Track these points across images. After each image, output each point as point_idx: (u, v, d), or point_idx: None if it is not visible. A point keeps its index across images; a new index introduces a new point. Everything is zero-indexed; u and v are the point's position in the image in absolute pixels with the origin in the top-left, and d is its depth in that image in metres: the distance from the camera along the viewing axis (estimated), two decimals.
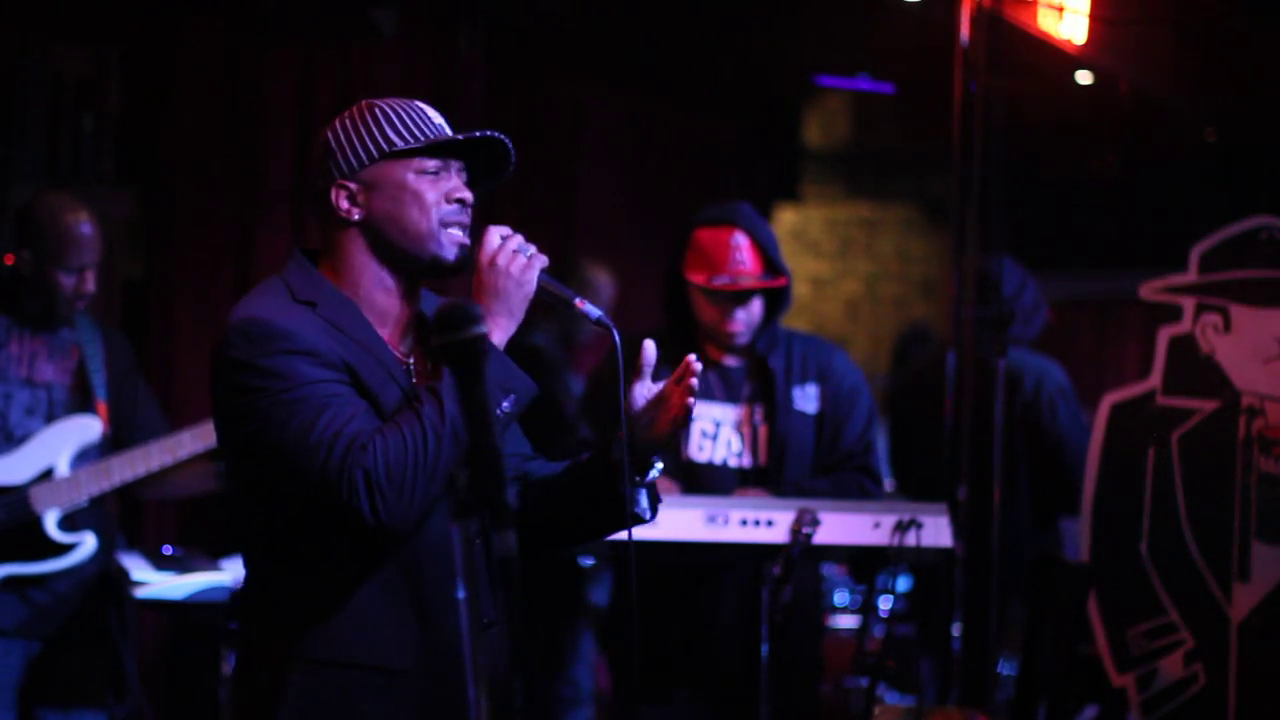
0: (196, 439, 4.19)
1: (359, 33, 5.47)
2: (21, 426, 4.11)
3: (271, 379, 2.37)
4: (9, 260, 4.13)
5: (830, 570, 5.91)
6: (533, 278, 2.49)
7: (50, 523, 4.10)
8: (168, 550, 4.56)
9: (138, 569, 4.28)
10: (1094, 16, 5.32)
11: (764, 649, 3.78)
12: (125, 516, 5.17)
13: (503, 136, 2.55)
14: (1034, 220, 6.58)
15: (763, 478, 4.10)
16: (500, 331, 2.47)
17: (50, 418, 4.14)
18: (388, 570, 2.45)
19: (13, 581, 4.08)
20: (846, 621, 5.72)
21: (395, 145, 2.51)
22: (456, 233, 2.53)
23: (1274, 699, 4.17)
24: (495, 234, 2.51)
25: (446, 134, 2.55)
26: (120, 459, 4.15)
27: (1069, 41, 5.34)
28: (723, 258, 4.03)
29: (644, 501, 2.60)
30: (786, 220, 10.29)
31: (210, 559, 4.40)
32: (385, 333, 2.54)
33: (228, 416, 2.45)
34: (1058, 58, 5.58)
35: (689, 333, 4.14)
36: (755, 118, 8.20)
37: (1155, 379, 4.36)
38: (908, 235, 10.64)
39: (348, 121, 2.55)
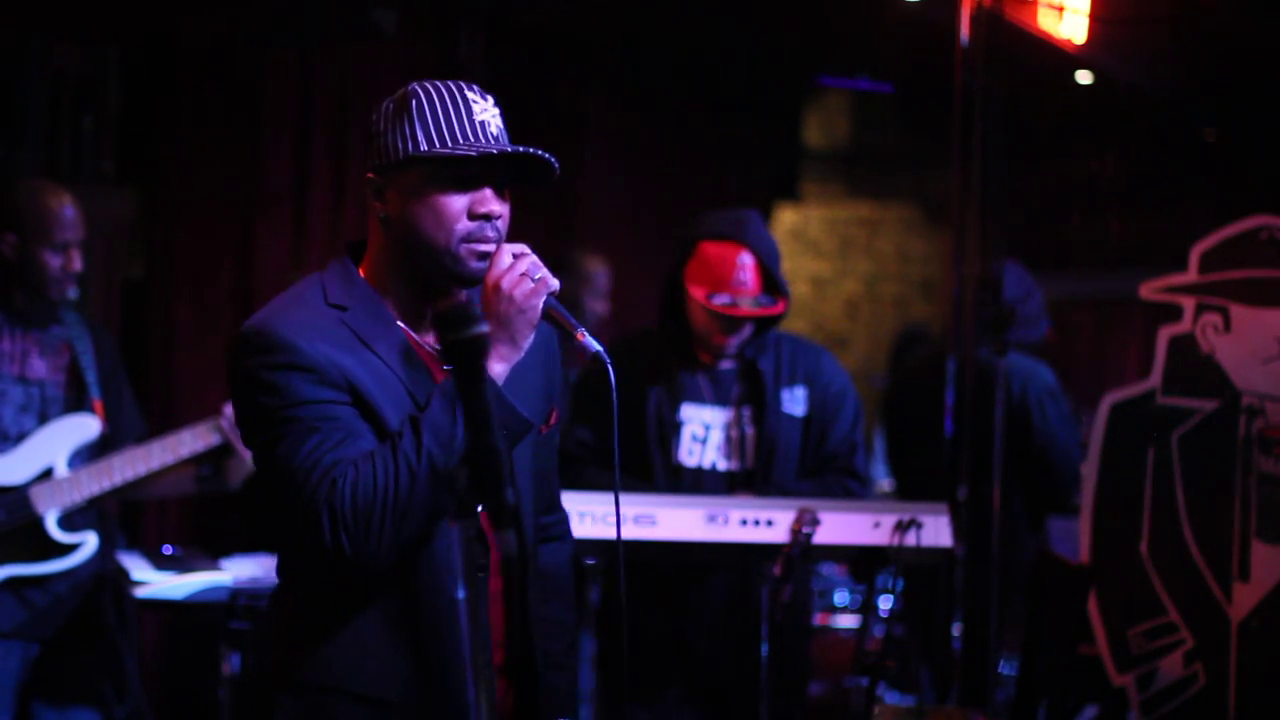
0: (196, 438, 4.19)
1: (359, 33, 5.47)
2: (16, 424, 4.10)
3: (268, 394, 2.33)
4: None
5: (830, 570, 5.91)
6: (538, 304, 2.39)
7: (51, 523, 4.10)
8: (168, 550, 4.56)
9: (138, 569, 4.28)
10: (1094, 16, 5.32)
11: (764, 649, 3.78)
12: (125, 516, 5.16)
13: (540, 152, 2.43)
14: (1034, 220, 6.59)
15: (750, 481, 4.11)
16: (501, 361, 2.38)
17: (44, 416, 4.14)
18: (386, 599, 2.39)
19: (12, 583, 4.07)
20: (846, 621, 5.72)
21: (421, 148, 2.38)
22: (478, 246, 2.40)
23: (1274, 699, 4.16)
24: (507, 254, 2.40)
25: (482, 137, 2.40)
26: (121, 458, 4.14)
27: (1069, 41, 5.35)
28: (726, 276, 4.02)
29: None
30: (786, 220, 10.29)
31: (210, 559, 4.40)
32: (417, 329, 2.46)
33: (241, 420, 2.42)
34: (1058, 58, 5.58)
35: (682, 334, 4.15)
36: (755, 118, 8.20)
37: (1155, 379, 4.36)
38: (908, 235, 10.64)
39: (390, 106, 2.43)
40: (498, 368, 2.37)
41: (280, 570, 2.53)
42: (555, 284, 2.42)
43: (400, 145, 2.39)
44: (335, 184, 6.03)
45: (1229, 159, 6.62)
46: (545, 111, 6.94)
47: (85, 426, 4.17)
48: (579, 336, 2.44)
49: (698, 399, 4.13)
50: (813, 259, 10.64)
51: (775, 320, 4.12)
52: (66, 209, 4.12)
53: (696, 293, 4.04)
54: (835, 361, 4.26)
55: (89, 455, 4.19)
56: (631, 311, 6.44)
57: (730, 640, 4.08)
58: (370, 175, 2.43)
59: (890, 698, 5.30)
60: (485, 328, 1.96)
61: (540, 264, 2.41)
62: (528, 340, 2.40)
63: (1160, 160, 6.92)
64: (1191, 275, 4.33)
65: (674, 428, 4.13)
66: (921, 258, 10.57)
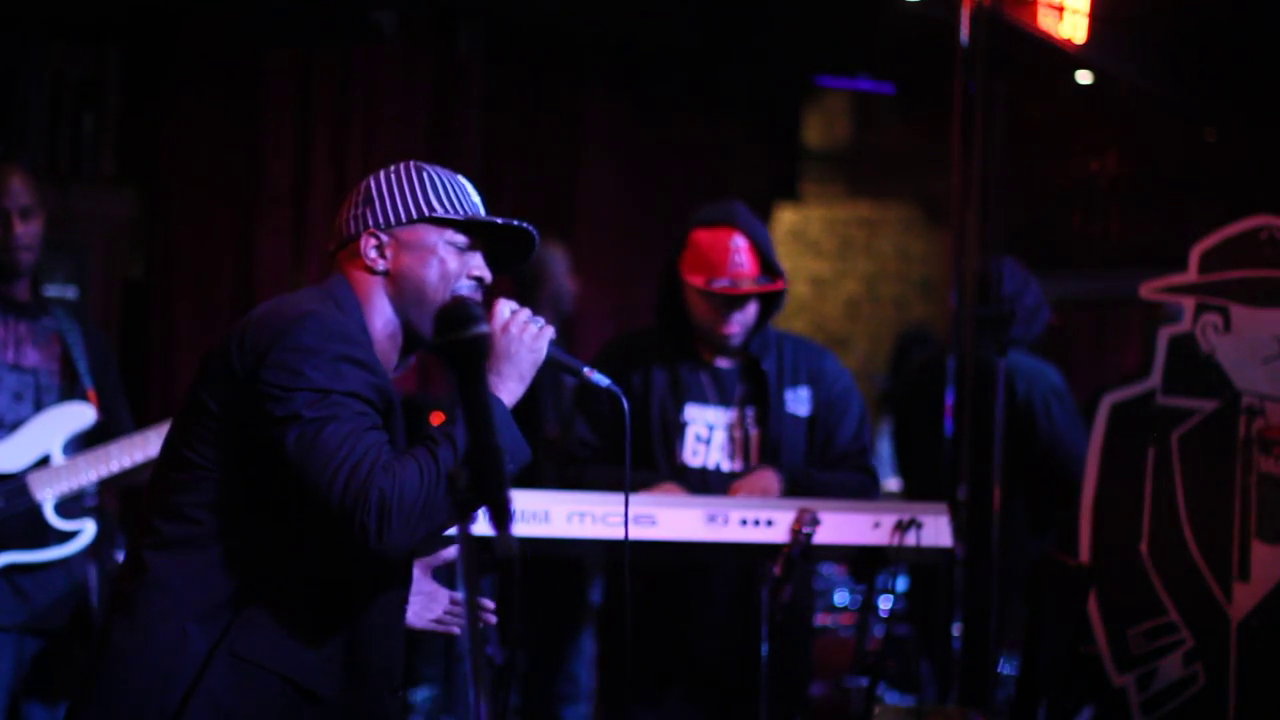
0: None
1: (359, 33, 5.48)
2: (11, 411, 4.12)
3: (326, 375, 2.42)
4: None
5: (830, 570, 5.91)
6: (544, 346, 2.60)
7: (49, 510, 4.11)
8: None
9: None
10: (1094, 16, 5.33)
11: (764, 649, 3.78)
12: (125, 515, 5.17)
13: (531, 229, 2.66)
14: (1034, 220, 6.59)
15: None
16: (509, 395, 2.56)
17: (38, 404, 4.15)
18: (337, 598, 2.50)
19: (9, 575, 4.08)
20: (846, 621, 5.72)
21: (435, 211, 2.61)
22: None
23: (1274, 699, 4.17)
24: (505, 306, 2.62)
25: (482, 213, 2.65)
26: (118, 445, 4.16)
27: (1069, 41, 5.35)
28: (722, 260, 4.03)
29: None
30: (786, 220, 10.29)
31: None
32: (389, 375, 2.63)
33: (260, 393, 2.43)
34: (1058, 58, 5.58)
35: (683, 332, 4.15)
36: (755, 118, 8.20)
37: (1155, 379, 4.36)
38: (908, 235, 10.64)
39: (393, 176, 2.65)
40: (505, 400, 2.54)
41: (207, 532, 2.49)
42: (553, 331, 2.63)
43: (414, 208, 2.61)
44: (335, 184, 6.03)
45: (1229, 159, 6.62)
46: (545, 111, 6.94)
47: (81, 414, 4.19)
48: (587, 374, 2.68)
49: (701, 399, 4.13)
50: (813, 259, 10.64)
51: (776, 301, 4.11)
52: (13, 175, 4.14)
53: (695, 280, 4.04)
54: (838, 362, 4.27)
55: (84, 443, 4.20)
56: (632, 312, 6.44)
57: (732, 639, 4.08)
58: (372, 231, 2.61)
59: (890, 698, 5.31)
60: (486, 328, 1.99)
61: (535, 316, 2.62)
62: (530, 379, 2.59)
63: (1160, 160, 6.93)
64: (1191, 275, 4.33)
65: (678, 428, 4.13)
66: (921, 258, 10.57)
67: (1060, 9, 5.26)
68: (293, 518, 2.44)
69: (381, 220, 2.61)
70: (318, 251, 5.96)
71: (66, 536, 4.14)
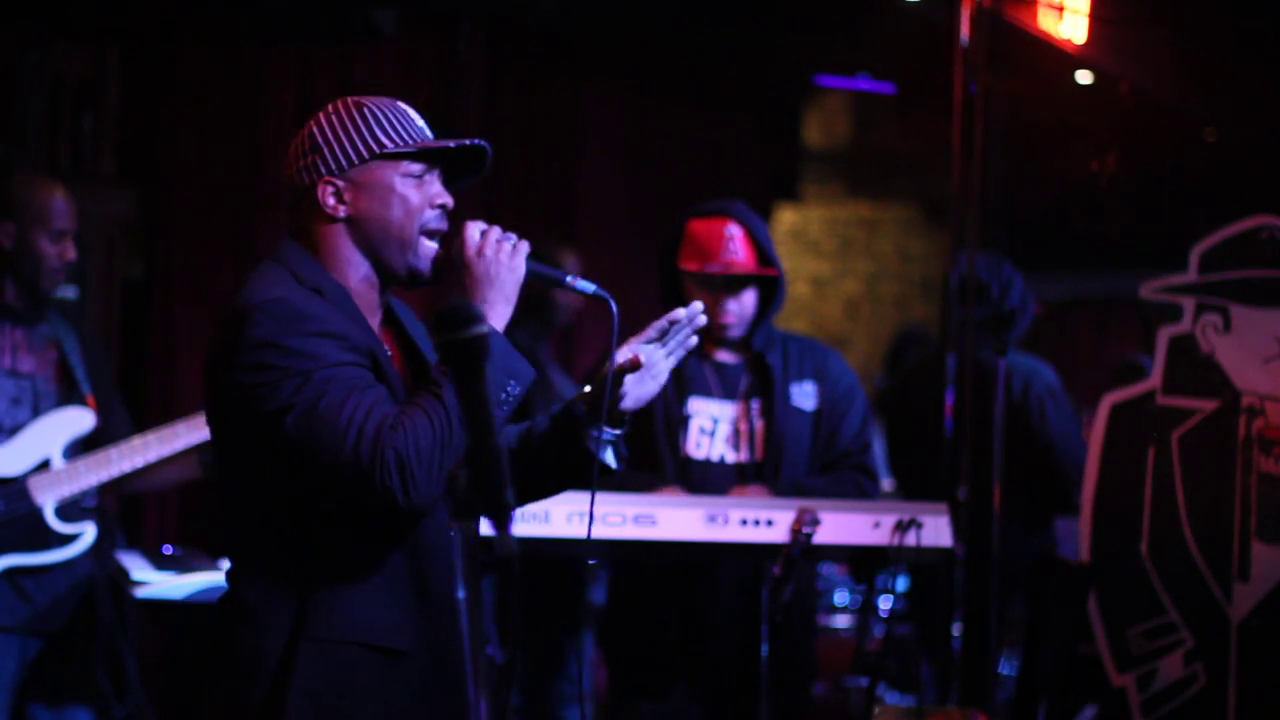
0: (192, 430, 4.21)
1: (359, 33, 5.47)
2: (10, 417, 4.12)
3: (297, 358, 2.40)
4: None
5: (830, 570, 5.91)
6: (521, 262, 2.55)
7: (49, 513, 4.11)
8: (168, 550, 4.56)
9: (138, 569, 4.28)
10: (1094, 16, 5.33)
11: (764, 649, 3.78)
12: (124, 515, 5.17)
13: (485, 144, 2.61)
14: (1034, 220, 6.59)
15: (759, 474, 4.11)
16: (498, 318, 2.53)
17: (36, 409, 4.16)
18: (392, 555, 2.51)
19: (10, 576, 4.08)
20: (846, 621, 5.72)
21: (385, 147, 2.55)
22: (433, 245, 2.58)
23: (1274, 699, 4.17)
24: (474, 228, 2.57)
25: (429, 138, 2.59)
26: (118, 449, 4.16)
27: (1069, 41, 5.35)
28: (716, 247, 4.05)
29: (610, 454, 2.67)
30: (786, 220, 10.29)
31: (210, 559, 4.40)
32: (372, 322, 2.60)
33: (244, 396, 2.43)
34: (1058, 58, 5.58)
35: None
36: (755, 118, 8.20)
37: (1155, 379, 4.36)
38: (908, 235, 10.65)
39: (334, 118, 2.60)
40: (495, 323, 2.52)
41: (256, 545, 2.55)
42: (529, 245, 2.58)
43: (362, 147, 2.56)
44: None
45: (1229, 159, 6.62)
46: (545, 111, 6.94)
47: (80, 419, 4.19)
48: (570, 281, 2.62)
49: (704, 393, 4.14)
50: (813, 259, 10.65)
51: (776, 296, 4.10)
52: (62, 199, 4.18)
53: (690, 266, 4.06)
54: (842, 360, 4.28)
55: (83, 448, 4.20)
56: (632, 312, 6.43)
57: (736, 637, 4.08)
58: (326, 179, 2.56)
59: (890, 698, 5.31)
60: (485, 328, 1.97)
61: (506, 232, 2.57)
62: (515, 298, 2.55)
63: (1160, 160, 6.92)
64: (1191, 275, 4.33)
65: (681, 421, 4.13)
66: (921, 258, 10.58)
67: (1060, 9, 5.26)
68: (324, 497, 2.46)
69: (334, 165, 2.57)
70: None
71: (68, 539, 4.14)
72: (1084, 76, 5.95)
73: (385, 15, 5.29)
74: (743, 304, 4.08)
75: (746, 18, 6.51)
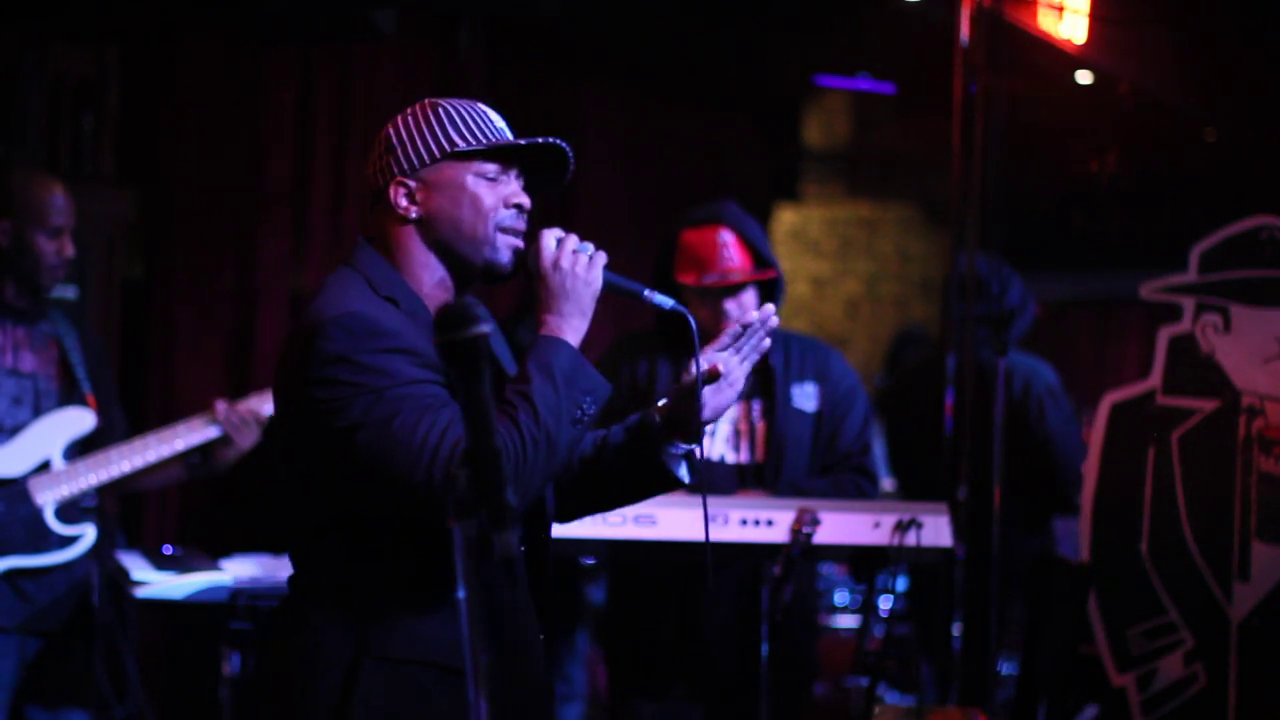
0: (193, 431, 4.22)
1: (359, 33, 5.47)
2: (10, 416, 4.11)
3: (373, 375, 2.35)
4: None
5: (830, 570, 5.91)
6: (598, 275, 2.50)
7: (49, 514, 4.11)
8: (168, 550, 4.56)
9: (138, 569, 4.28)
10: (1094, 16, 5.33)
11: (764, 648, 3.78)
12: (124, 515, 5.17)
13: (562, 144, 2.55)
14: (1034, 220, 6.59)
15: (760, 474, 4.11)
16: (573, 332, 2.47)
17: (37, 408, 4.15)
18: (451, 570, 2.47)
19: (11, 578, 4.08)
20: (846, 621, 5.72)
21: (457, 146, 2.50)
22: (512, 238, 2.53)
23: (1274, 699, 4.17)
24: (551, 237, 2.52)
25: (508, 138, 2.54)
26: (118, 450, 4.16)
27: (1069, 41, 5.35)
28: (711, 256, 4.03)
29: (683, 468, 2.64)
30: (786, 220, 10.29)
31: (210, 559, 4.40)
32: None
33: (315, 411, 2.39)
34: (1058, 58, 5.58)
35: (684, 336, 4.13)
36: (755, 118, 8.20)
37: (1155, 379, 4.36)
38: (908, 235, 10.65)
39: (410, 119, 2.55)
40: (571, 338, 2.46)
41: (320, 560, 2.52)
42: (605, 256, 2.52)
43: (434, 146, 2.51)
44: (335, 184, 6.03)
45: (1229, 159, 6.62)
46: (545, 111, 6.94)
47: (80, 419, 4.19)
48: (646, 296, 2.56)
49: None
50: (813, 259, 10.65)
51: (775, 296, 4.09)
52: (58, 195, 4.17)
53: (687, 280, 4.04)
54: (844, 361, 4.27)
55: (84, 448, 4.20)
56: (633, 313, 6.44)
57: (737, 636, 4.08)
58: (399, 180, 2.52)
59: (890, 698, 5.31)
60: (485, 328, 1.96)
61: (584, 242, 2.52)
62: (591, 311, 2.50)
63: (1160, 160, 6.93)
64: (1191, 275, 4.33)
65: None
66: (921, 258, 10.58)
67: (1060, 9, 5.26)
68: (392, 518, 2.41)
69: (405, 166, 2.51)
70: (318, 251, 5.95)
71: (68, 541, 4.14)
72: (1084, 76, 5.96)
73: (385, 15, 5.29)
74: (743, 306, 4.07)
75: (747, 18, 6.51)
